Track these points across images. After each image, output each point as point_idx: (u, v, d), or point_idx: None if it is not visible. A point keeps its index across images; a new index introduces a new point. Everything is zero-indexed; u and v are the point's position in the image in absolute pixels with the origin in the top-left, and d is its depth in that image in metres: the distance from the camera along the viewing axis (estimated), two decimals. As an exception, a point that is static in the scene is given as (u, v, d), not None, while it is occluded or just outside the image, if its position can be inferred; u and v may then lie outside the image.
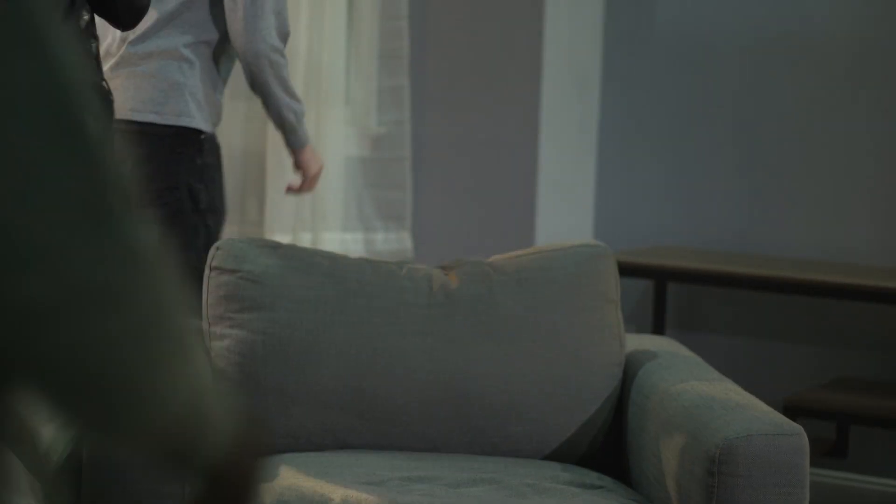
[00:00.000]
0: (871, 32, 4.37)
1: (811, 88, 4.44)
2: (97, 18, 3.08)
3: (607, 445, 2.93)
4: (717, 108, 4.61)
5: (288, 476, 2.59)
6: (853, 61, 4.40)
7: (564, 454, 2.90)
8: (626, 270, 4.23)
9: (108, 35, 3.56)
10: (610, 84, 4.76)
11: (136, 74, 3.49)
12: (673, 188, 4.68)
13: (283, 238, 4.50)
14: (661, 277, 4.27)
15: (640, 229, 4.75)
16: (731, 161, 4.59)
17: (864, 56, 4.38)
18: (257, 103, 4.63)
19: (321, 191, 4.56)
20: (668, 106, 4.68)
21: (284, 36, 3.56)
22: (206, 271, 2.91)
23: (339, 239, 4.61)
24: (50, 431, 2.98)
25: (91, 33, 2.88)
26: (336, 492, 2.50)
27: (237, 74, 4.66)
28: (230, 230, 4.60)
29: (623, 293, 4.73)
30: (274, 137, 4.47)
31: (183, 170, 3.44)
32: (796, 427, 2.48)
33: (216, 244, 2.92)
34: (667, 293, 4.58)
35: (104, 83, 2.90)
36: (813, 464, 4.46)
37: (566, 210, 4.69)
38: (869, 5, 4.38)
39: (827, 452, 4.27)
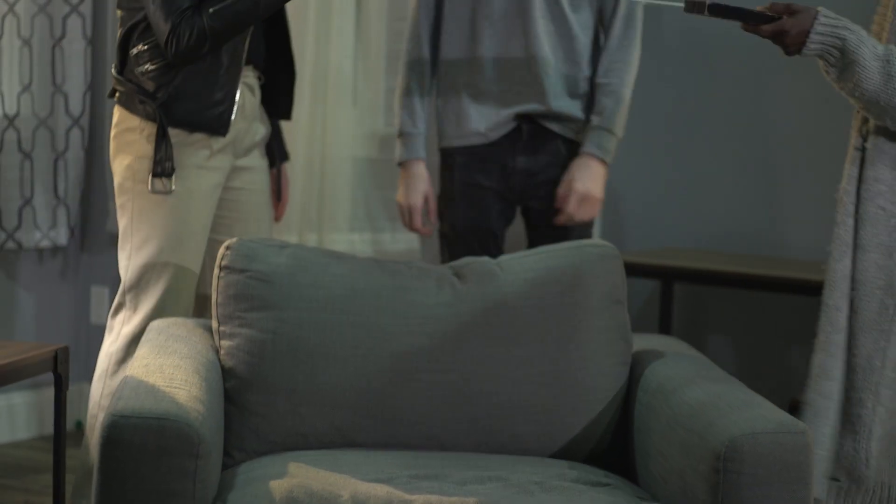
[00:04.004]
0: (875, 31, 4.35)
1: (817, 87, 4.42)
2: None
3: (614, 444, 2.92)
4: (725, 106, 4.58)
5: (297, 474, 2.58)
6: (859, 62, 4.37)
7: (571, 452, 2.88)
8: (633, 270, 4.22)
9: None
10: (617, 85, 4.72)
11: None
12: (680, 188, 4.66)
13: (289, 239, 4.47)
14: (667, 277, 4.25)
15: (646, 229, 4.73)
16: (739, 160, 4.57)
17: (870, 57, 4.36)
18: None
19: (328, 191, 4.52)
20: (675, 105, 4.66)
21: None
22: (216, 270, 2.90)
23: (347, 239, 4.57)
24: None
25: None
26: (345, 489, 2.49)
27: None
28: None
29: (630, 293, 4.70)
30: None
31: None
32: (801, 425, 2.48)
33: (226, 244, 2.92)
34: (674, 293, 4.57)
35: None
36: (819, 463, 4.43)
37: (573, 210, 4.65)
38: (872, 4, 4.36)
39: (833, 452, 4.23)
